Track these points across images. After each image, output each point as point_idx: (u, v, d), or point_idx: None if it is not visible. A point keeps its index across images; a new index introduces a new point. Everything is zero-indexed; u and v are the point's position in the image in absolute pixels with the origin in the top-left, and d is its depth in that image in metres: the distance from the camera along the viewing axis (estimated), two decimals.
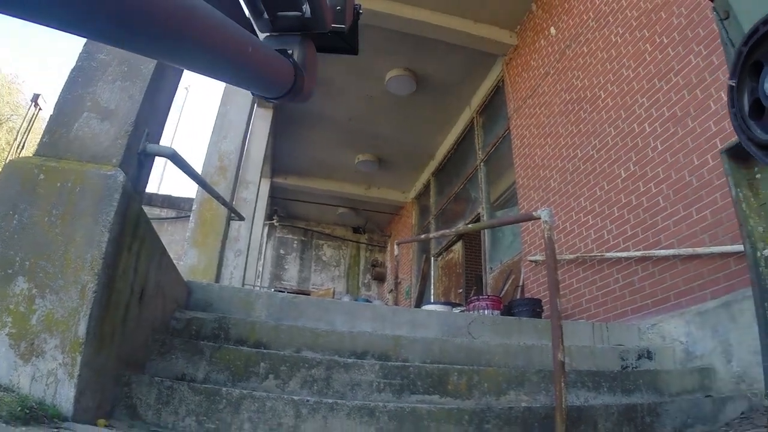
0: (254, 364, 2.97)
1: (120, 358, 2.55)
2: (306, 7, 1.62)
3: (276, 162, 14.10)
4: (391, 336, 3.70)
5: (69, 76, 2.86)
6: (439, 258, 12.65)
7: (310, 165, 14.43)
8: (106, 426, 2.34)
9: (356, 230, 18.55)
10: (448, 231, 5.98)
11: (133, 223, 2.62)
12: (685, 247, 4.73)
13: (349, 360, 3.15)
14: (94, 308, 2.20)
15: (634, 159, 5.66)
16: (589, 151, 6.53)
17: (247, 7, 1.59)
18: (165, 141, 3.60)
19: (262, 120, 10.61)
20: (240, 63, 1.30)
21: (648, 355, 4.34)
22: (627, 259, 5.47)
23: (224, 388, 2.60)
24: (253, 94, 1.68)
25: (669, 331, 4.61)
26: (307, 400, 2.61)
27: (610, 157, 6.09)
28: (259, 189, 10.35)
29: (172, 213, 14.88)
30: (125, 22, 0.84)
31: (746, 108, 1.84)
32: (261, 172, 10.54)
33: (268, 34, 1.69)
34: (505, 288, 8.24)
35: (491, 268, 9.36)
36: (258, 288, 14.08)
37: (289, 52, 1.64)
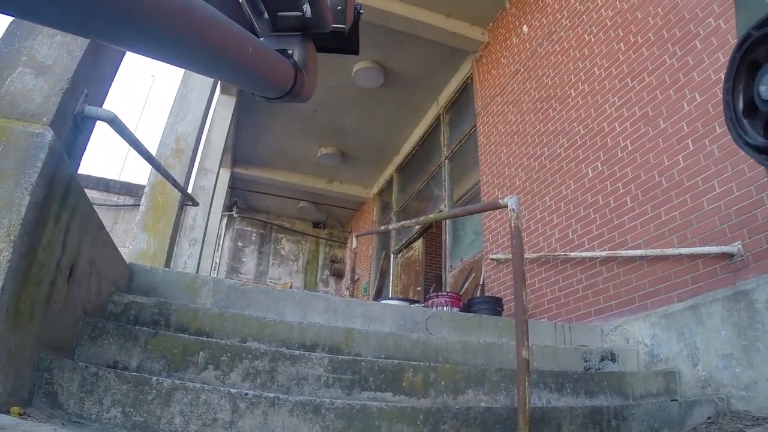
0: (193, 353, 2.69)
1: (41, 340, 2.27)
2: (306, 8, 1.58)
3: (237, 152, 13.74)
4: (343, 329, 3.44)
5: (7, 28, 2.58)
6: (399, 255, 12.46)
7: (272, 156, 14.10)
8: (20, 415, 2.07)
9: (316, 225, 18.25)
10: (409, 222, 5.76)
11: (62, 190, 2.34)
12: (653, 248, 4.62)
13: (296, 352, 2.89)
14: (8, 280, 1.93)
15: (603, 158, 5.54)
16: (556, 149, 6.41)
17: (248, 7, 1.55)
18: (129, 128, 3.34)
19: (225, 107, 10.28)
20: (240, 63, 1.28)
21: (611, 357, 4.21)
22: (592, 259, 5.35)
23: (154, 378, 2.33)
24: (253, 94, 1.63)
25: (633, 333, 4.49)
26: (246, 394, 2.35)
27: (578, 155, 5.98)
28: (218, 178, 9.99)
29: (130, 200, 14.43)
30: (124, 22, 0.81)
31: (740, 109, 1.85)
32: (221, 162, 10.21)
33: (268, 34, 1.65)
34: (465, 286, 8.10)
35: (451, 266, 9.22)
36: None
37: (290, 52, 1.62)
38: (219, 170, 9.99)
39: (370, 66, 10.05)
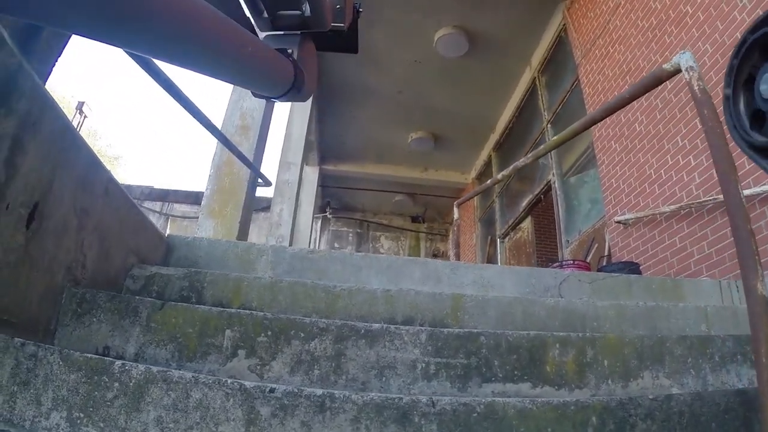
0: (215, 332, 1.88)
1: None
2: (306, 6, 1.61)
3: (324, 147, 13.22)
4: (449, 295, 2.49)
5: None
6: (506, 239, 11.51)
7: (360, 148, 13.46)
8: None
9: (415, 219, 17.55)
10: (519, 163, 4.74)
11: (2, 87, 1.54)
12: None
13: (375, 326, 1.92)
14: None
15: None
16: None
17: (247, 7, 1.57)
18: None
19: None
20: (241, 63, 1.27)
21: None
22: (749, 198, 4.26)
23: (118, 362, 1.46)
24: (254, 94, 1.66)
25: None
26: (271, 391, 1.41)
27: (710, 78, 4.89)
28: (302, 171, 9.68)
29: None
30: (126, 23, 0.81)
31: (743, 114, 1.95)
32: (308, 158, 9.78)
33: (268, 33, 1.67)
34: (588, 259, 7.09)
35: (568, 241, 8.20)
36: None
37: (289, 51, 1.64)
38: (302, 164, 9.68)
39: (452, 31, 9.15)
